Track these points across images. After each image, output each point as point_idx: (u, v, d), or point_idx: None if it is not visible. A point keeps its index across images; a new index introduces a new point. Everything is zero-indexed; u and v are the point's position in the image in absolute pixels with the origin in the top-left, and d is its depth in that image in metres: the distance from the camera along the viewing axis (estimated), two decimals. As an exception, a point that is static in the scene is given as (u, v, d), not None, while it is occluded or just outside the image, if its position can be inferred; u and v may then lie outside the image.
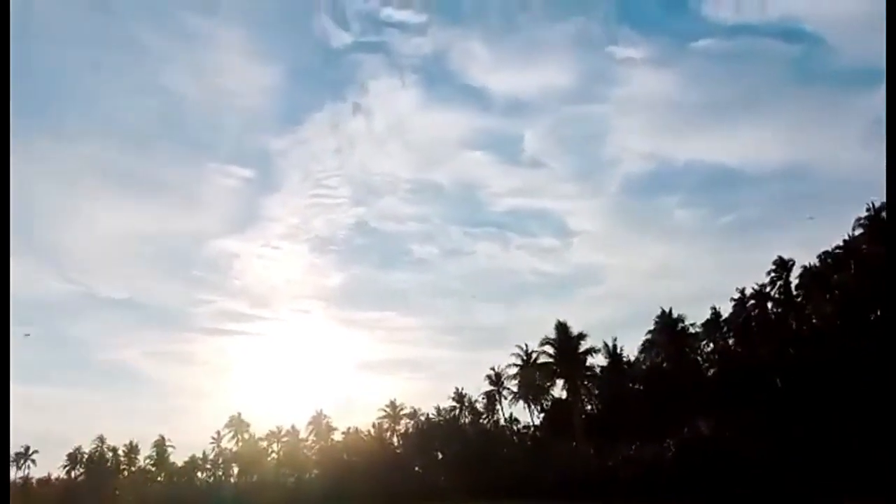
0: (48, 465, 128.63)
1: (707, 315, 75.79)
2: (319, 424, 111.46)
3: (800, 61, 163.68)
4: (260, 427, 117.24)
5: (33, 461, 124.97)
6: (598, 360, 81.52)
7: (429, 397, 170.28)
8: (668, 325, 77.12)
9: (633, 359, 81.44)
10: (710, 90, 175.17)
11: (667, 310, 77.70)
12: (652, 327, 78.78)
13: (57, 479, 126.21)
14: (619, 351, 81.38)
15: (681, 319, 77.00)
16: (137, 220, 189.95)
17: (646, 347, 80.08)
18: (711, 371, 74.75)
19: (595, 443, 78.92)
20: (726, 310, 74.36)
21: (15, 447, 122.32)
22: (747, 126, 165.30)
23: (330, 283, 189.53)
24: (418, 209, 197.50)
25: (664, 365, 77.60)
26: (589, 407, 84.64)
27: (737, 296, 72.85)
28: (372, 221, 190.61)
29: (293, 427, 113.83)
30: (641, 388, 77.31)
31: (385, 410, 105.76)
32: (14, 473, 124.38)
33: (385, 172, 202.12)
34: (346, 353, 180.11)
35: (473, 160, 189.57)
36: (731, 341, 75.33)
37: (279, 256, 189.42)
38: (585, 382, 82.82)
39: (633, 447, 75.54)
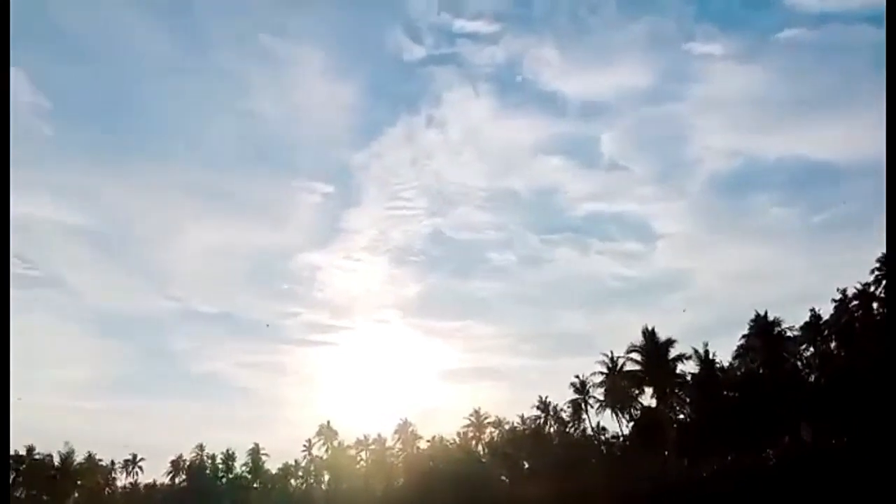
0: (153, 472, 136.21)
1: (805, 318, 71.72)
2: (405, 432, 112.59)
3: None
4: (348, 435, 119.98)
5: (140, 468, 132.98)
6: (689, 367, 78.48)
7: (510, 405, 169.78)
8: (763, 329, 73.23)
9: (726, 365, 77.90)
10: (798, 82, 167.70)
11: (761, 313, 73.92)
12: (746, 332, 75.02)
13: (161, 485, 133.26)
14: (711, 357, 77.81)
15: (777, 323, 72.88)
16: (227, 237, 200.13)
17: (740, 353, 76.37)
18: (812, 377, 70.67)
19: (688, 453, 76.08)
20: (826, 311, 70.29)
21: (124, 455, 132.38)
22: (840, 118, 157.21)
23: (409, 293, 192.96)
24: (495, 217, 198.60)
25: (761, 371, 73.83)
26: (681, 416, 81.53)
27: (838, 296, 68.84)
28: (448, 231, 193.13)
29: (379, 435, 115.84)
30: (737, 395, 73.85)
31: (469, 419, 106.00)
32: (124, 479, 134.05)
33: (460, 182, 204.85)
34: (427, 362, 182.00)
35: (549, 166, 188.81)
36: (832, 345, 71.07)
37: (360, 268, 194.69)
38: (676, 390, 79.90)
39: (729, 457, 72.38)
